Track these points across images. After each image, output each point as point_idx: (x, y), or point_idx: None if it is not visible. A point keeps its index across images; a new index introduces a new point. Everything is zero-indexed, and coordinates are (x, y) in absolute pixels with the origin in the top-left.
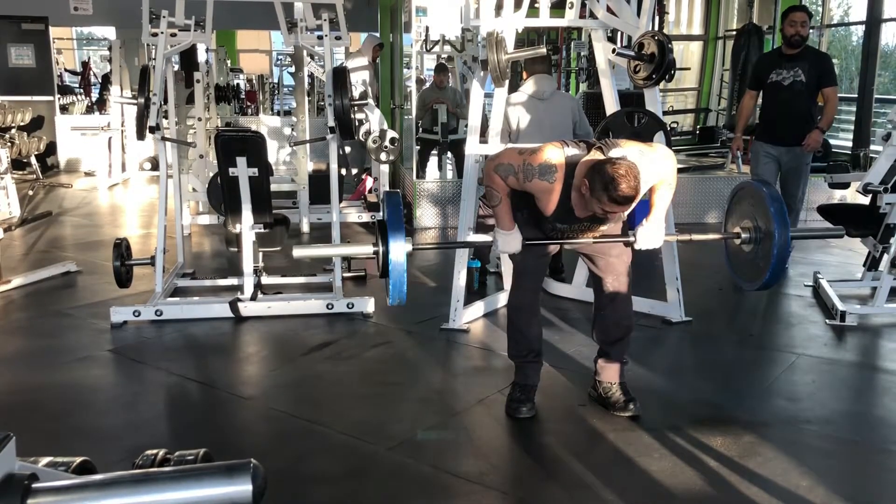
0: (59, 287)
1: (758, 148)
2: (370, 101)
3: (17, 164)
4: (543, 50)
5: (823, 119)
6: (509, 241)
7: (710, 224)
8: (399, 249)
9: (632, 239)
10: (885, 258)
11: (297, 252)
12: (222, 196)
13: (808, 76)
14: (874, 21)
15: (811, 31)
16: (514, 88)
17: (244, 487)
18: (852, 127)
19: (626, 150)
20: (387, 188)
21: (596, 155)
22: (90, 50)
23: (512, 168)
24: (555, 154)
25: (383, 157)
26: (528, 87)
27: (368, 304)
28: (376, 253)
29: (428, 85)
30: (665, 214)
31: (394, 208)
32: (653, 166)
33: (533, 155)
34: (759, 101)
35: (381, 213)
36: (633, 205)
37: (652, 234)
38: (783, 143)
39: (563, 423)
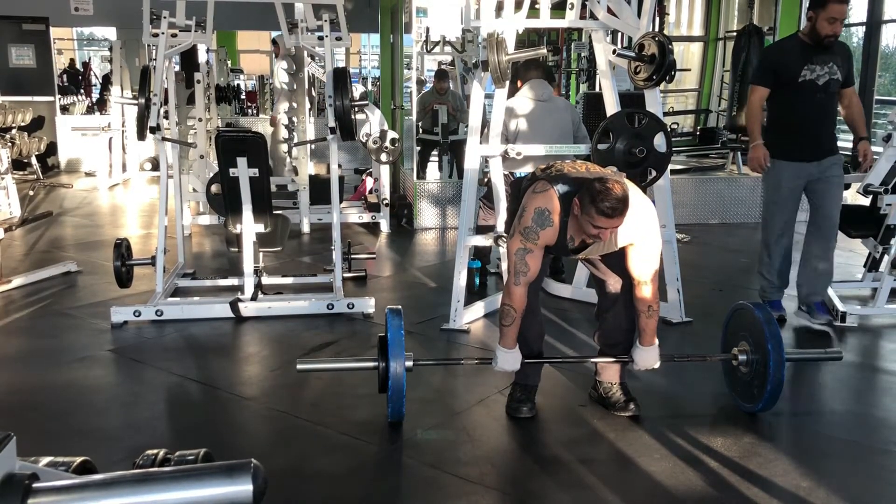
0: (59, 287)
1: (779, 170)
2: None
3: (18, 164)
4: (543, 50)
5: (861, 125)
6: (509, 360)
7: (710, 225)
8: (399, 367)
9: (628, 360)
10: (886, 259)
11: (301, 366)
12: (223, 197)
13: (842, 73)
14: (874, 22)
15: None
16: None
17: (245, 487)
18: None
19: (631, 191)
20: (387, 188)
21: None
22: (90, 50)
23: (522, 250)
24: (541, 199)
25: (384, 157)
26: (527, 90)
27: (369, 305)
28: (376, 369)
29: (427, 88)
30: (655, 332)
31: (395, 325)
32: (641, 222)
33: (522, 219)
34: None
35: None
36: (622, 221)
37: (648, 356)
38: (815, 157)
39: (563, 424)
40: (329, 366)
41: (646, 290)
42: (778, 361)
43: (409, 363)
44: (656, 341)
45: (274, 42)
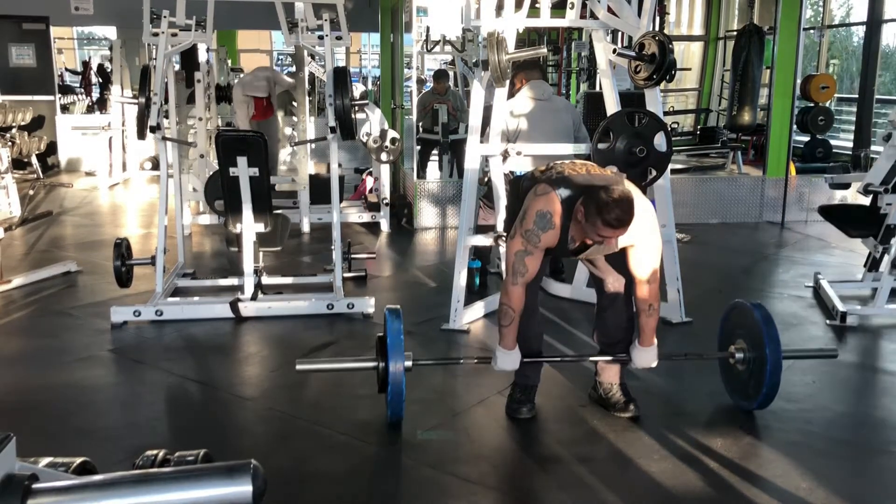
0: (59, 287)
1: None
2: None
3: (18, 163)
4: (544, 50)
5: None
6: (509, 361)
7: (710, 225)
8: (398, 367)
9: (626, 358)
10: (886, 259)
11: (300, 366)
12: (223, 196)
13: None
14: (875, 22)
15: (811, 31)
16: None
17: (244, 488)
18: (853, 128)
19: (634, 193)
20: (387, 188)
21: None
22: (91, 50)
23: (522, 252)
24: (542, 202)
25: (384, 157)
26: (527, 91)
27: (369, 305)
28: (376, 369)
29: (428, 88)
30: (654, 332)
31: (394, 325)
32: (641, 224)
33: (524, 222)
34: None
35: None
36: (627, 230)
37: (647, 355)
38: None
39: (563, 424)
40: (328, 366)
41: (646, 290)
42: (776, 363)
43: (409, 363)
44: (655, 341)
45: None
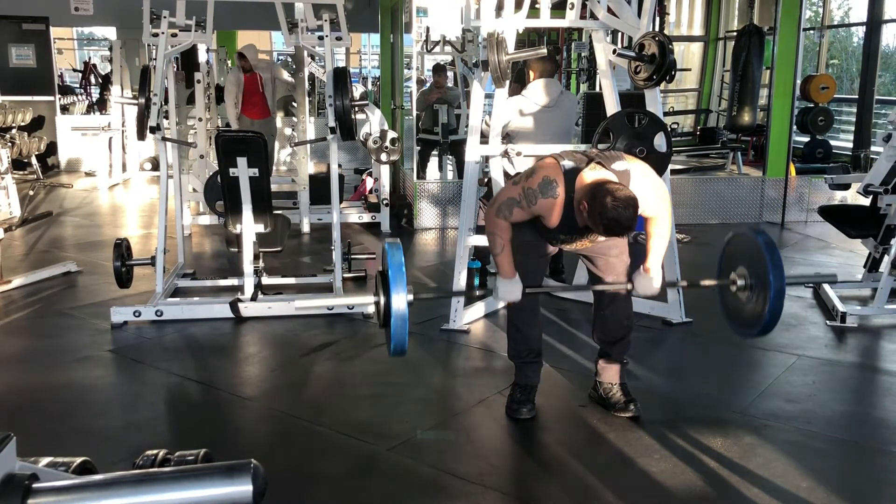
0: (59, 287)
1: None
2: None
3: (18, 164)
4: (544, 50)
5: None
6: (510, 290)
7: (710, 225)
8: (400, 300)
9: (629, 286)
10: (886, 259)
11: (299, 303)
12: (223, 197)
13: None
14: (875, 22)
15: (811, 32)
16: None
17: (244, 488)
18: (853, 128)
19: (629, 165)
20: (387, 188)
21: (596, 170)
22: (91, 50)
23: (514, 200)
24: (551, 169)
25: (384, 157)
26: (538, 93)
27: (368, 305)
28: (377, 304)
29: (428, 86)
30: (662, 260)
31: (395, 258)
32: (648, 195)
33: (530, 178)
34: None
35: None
36: (630, 233)
37: (649, 281)
38: None
39: (563, 424)
40: (327, 301)
41: (657, 217)
42: (779, 289)
43: (410, 297)
44: (660, 269)
45: (241, 55)
